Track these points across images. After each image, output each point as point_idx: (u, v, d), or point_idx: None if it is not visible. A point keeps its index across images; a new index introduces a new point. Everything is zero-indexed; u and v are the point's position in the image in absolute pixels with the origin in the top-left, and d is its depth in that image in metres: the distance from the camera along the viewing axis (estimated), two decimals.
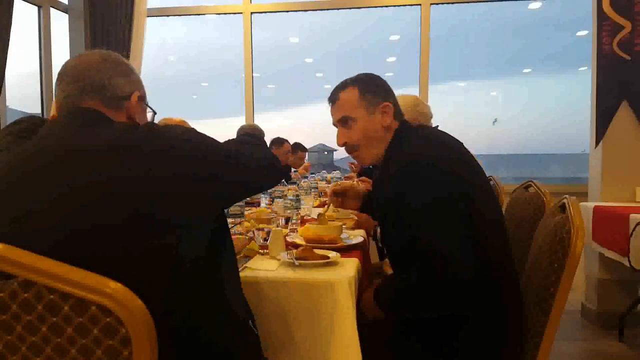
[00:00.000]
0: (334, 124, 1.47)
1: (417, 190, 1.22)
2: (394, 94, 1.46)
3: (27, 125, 1.56)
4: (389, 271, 2.13)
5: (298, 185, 2.70)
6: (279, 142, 4.45)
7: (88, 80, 0.95)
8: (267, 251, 1.44)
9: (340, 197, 1.79)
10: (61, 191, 0.77)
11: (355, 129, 1.41)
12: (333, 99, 1.45)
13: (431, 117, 2.36)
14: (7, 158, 0.87)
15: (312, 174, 3.99)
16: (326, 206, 1.86)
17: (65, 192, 0.77)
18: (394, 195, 1.27)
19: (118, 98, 0.97)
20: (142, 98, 1.03)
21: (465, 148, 1.39)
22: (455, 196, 1.21)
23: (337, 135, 1.46)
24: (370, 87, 1.41)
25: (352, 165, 4.56)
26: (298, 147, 5.05)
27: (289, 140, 4.58)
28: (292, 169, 4.25)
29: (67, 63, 0.99)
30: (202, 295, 0.87)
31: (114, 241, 0.75)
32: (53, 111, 1.01)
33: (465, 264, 1.16)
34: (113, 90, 0.96)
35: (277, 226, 1.73)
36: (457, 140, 1.41)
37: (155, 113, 1.11)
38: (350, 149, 1.45)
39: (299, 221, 1.95)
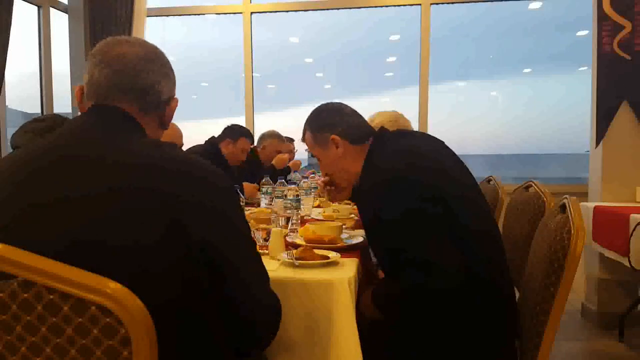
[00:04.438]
0: None
1: (390, 204, 1.24)
2: (345, 117, 1.49)
3: (49, 123, 1.55)
4: None
5: (298, 185, 2.70)
6: None
7: (135, 78, 0.90)
8: (267, 251, 1.44)
9: (332, 186, 1.80)
10: (85, 196, 0.76)
11: (323, 164, 1.55)
12: (302, 140, 1.59)
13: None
14: (20, 154, 0.85)
15: (312, 174, 3.98)
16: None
17: (88, 198, 0.76)
18: (371, 210, 1.32)
19: (159, 102, 0.94)
20: (176, 100, 1.00)
21: (447, 152, 1.39)
22: (430, 204, 1.21)
23: (319, 167, 1.62)
24: (317, 126, 1.51)
25: None
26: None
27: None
28: (293, 171, 4.22)
29: (111, 48, 0.91)
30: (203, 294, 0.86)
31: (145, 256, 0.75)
32: (77, 92, 0.95)
33: (449, 271, 1.17)
34: (156, 95, 0.93)
35: (277, 226, 1.73)
36: (439, 144, 1.42)
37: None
38: (330, 177, 1.59)
39: (299, 221, 1.95)
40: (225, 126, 3.37)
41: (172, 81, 0.97)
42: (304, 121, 1.56)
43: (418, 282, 1.19)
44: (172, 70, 0.98)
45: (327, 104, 1.55)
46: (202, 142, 3.34)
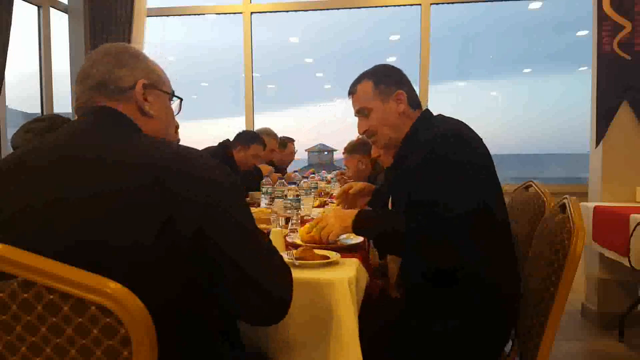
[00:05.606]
0: (355, 115, 1.57)
1: (458, 150, 1.26)
2: (408, 83, 1.53)
3: (49, 123, 1.55)
4: (392, 270, 2.13)
5: (298, 185, 2.70)
6: (282, 144, 4.42)
7: (93, 78, 0.95)
8: None
9: (347, 177, 1.82)
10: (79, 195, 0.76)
11: (372, 118, 1.50)
12: (351, 91, 1.55)
13: None
14: (20, 154, 0.86)
15: (312, 174, 3.97)
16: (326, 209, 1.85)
17: (83, 197, 0.76)
18: (431, 155, 1.29)
19: (121, 90, 0.95)
20: (152, 85, 0.99)
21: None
22: (485, 168, 1.28)
23: (358, 125, 1.56)
24: (384, 78, 1.50)
25: (342, 176, 3.77)
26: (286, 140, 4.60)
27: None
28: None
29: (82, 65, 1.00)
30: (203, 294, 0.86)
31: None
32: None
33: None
34: (115, 83, 0.95)
35: (277, 226, 1.73)
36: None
37: (181, 100, 1.09)
38: (370, 134, 1.54)
39: (299, 221, 1.94)
40: (238, 132, 3.44)
41: (134, 68, 0.98)
42: (363, 72, 1.54)
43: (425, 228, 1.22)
44: (138, 59, 0.99)
45: (390, 64, 1.57)
46: (211, 144, 3.43)
